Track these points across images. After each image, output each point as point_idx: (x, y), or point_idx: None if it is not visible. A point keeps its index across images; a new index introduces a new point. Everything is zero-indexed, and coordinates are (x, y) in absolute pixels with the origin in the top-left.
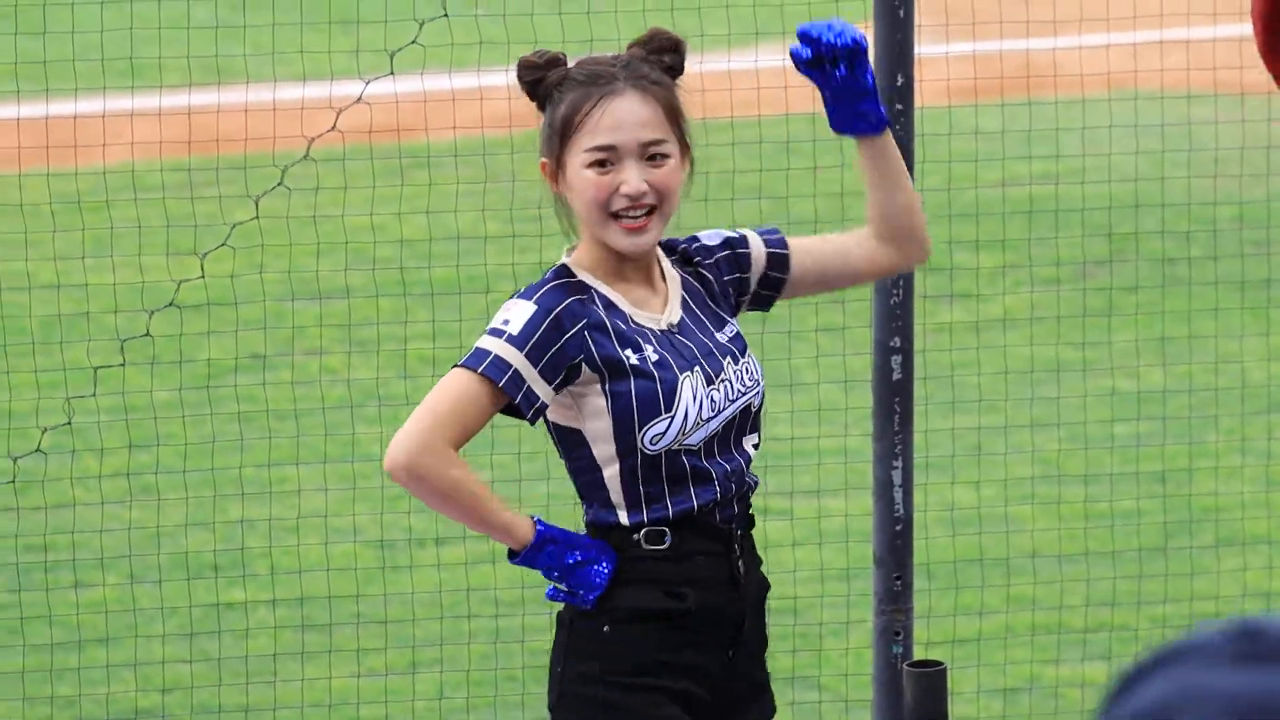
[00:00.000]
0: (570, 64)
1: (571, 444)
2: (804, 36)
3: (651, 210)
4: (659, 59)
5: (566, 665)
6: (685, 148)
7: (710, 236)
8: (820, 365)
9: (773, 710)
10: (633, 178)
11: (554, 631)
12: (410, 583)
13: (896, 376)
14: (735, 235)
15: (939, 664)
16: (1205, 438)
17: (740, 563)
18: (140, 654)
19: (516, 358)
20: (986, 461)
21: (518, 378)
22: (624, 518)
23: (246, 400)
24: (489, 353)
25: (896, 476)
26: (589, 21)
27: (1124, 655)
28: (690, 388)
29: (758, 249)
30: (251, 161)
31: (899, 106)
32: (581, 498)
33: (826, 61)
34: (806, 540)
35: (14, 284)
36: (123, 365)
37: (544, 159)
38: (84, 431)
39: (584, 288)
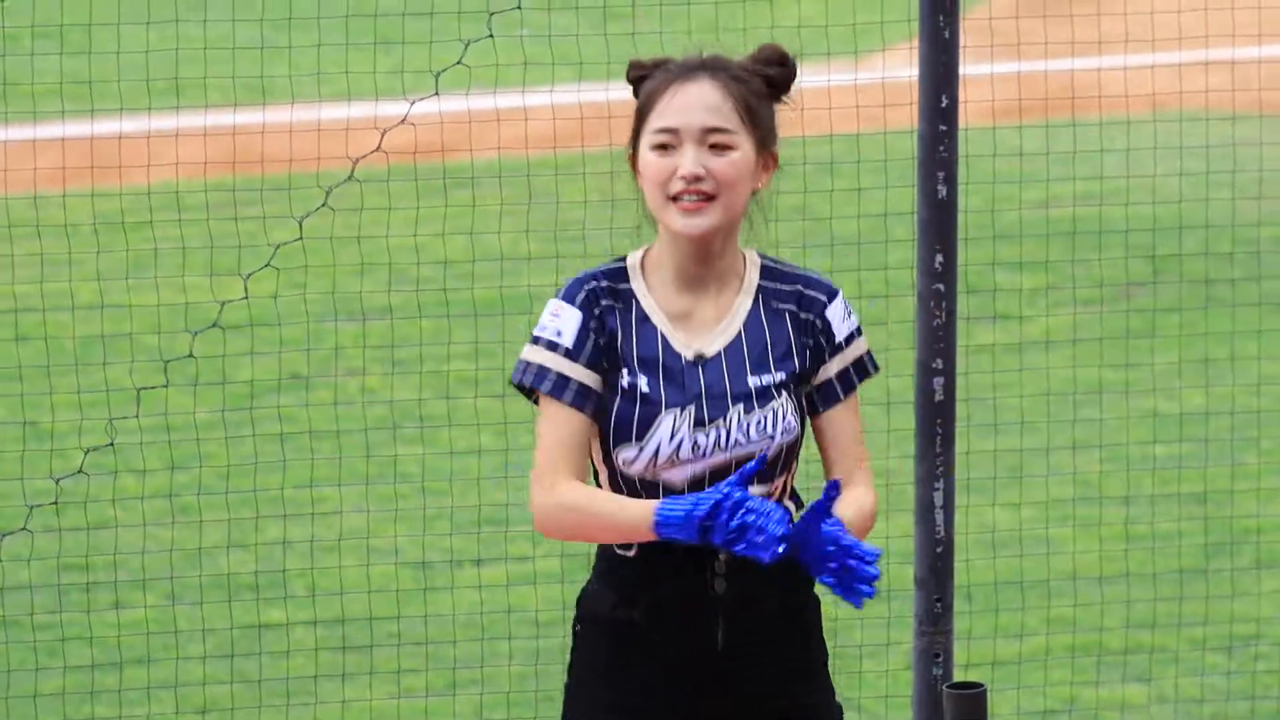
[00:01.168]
0: None
1: (594, 437)
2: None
3: (711, 198)
4: (762, 69)
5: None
6: (764, 150)
7: (833, 309)
8: (861, 387)
9: None
10: (689, 160)
11: None
12: (450, 604)
13: (939, 398)
14: (840, 340)
15: (979, 686)
16: (1246, 459)
17: (719, 581)
18: (179, 675)
19: (577, 371)
20: (1027, 483)
21: (582, 389)
22: None
23: (287, 420)
24: (549, 370)
25: (938, 498)
26: (634, 43)
27: (1163, 677)
28: (671, 425)
29: (831, 367)
30: (295, 182)
31: (943, 127)
32: None
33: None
34: None
35: (56, 304)
36: (165, 386)
37: (630, 152)
38: (125, 452)
39: (625, 295)
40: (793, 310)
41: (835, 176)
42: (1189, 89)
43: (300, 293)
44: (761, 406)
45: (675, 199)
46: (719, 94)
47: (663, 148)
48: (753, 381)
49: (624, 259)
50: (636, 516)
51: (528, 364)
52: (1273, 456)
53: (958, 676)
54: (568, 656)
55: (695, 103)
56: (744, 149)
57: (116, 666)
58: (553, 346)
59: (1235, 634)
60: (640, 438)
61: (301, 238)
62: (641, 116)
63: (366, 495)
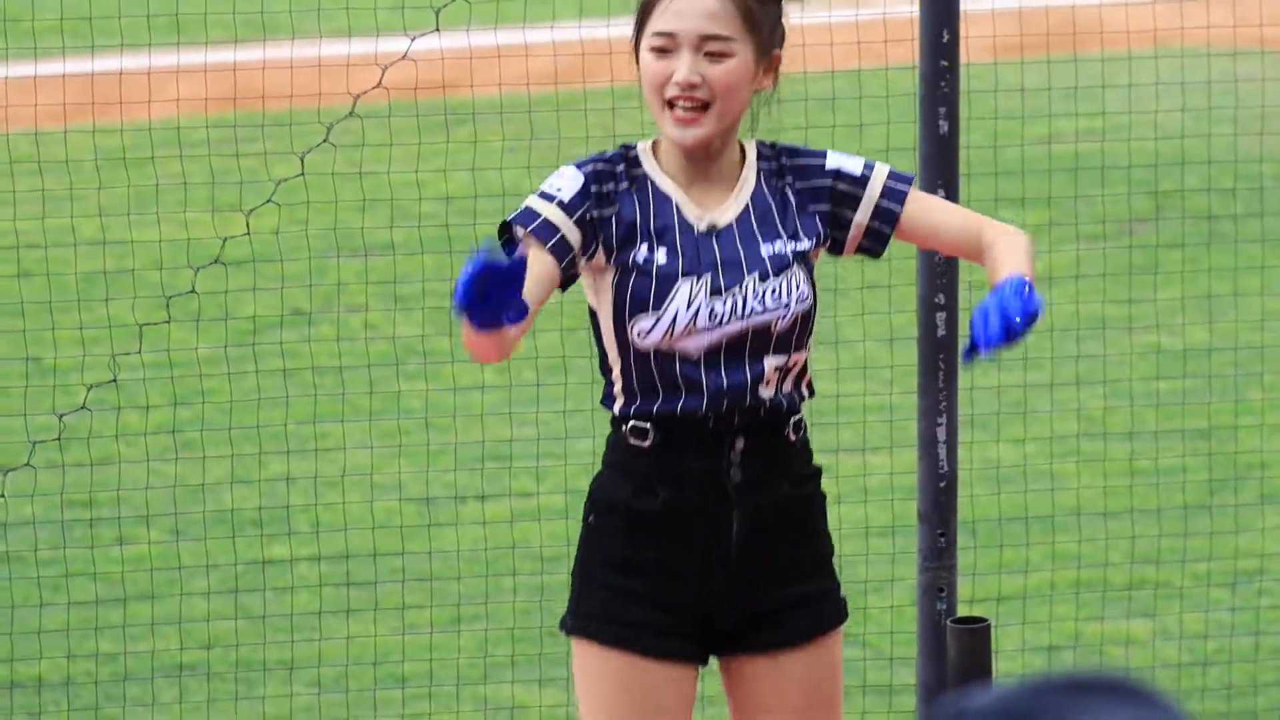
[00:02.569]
0: None
1: (593, 324)
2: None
3: (706, 105)
4: None
5: (576, 553)
6: (766, 54)
7: (834, 160)
8: (865, 322)
9: (822, 626)
10: (684, 68)
11: None
12: (454, 539)
13: (941, 333)
14: (859, 174)
15: (983, 621)
16: (1249, 394)
17: (735, 470)
18: (183, 610)
19: (564, 222)
20: (1031, 418)
21: (565, 242)
22: (618, 406)
23: (290, 356)
24: (538, 214)
25: (941, 433)
26: None
27: (1167, 613)
28: (687, 293)
29: (870, 198)
30: (296, 118)
31: (944, 63)
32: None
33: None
34: (850, 497)
35: (58, 240)
36: (167, 322)
37: (632, 43)
38: (128, 388)
39: (639, 176)
40: (791, 183)
41: (837, 112)
42: (1190, 25)
43: (302, 229)
44: (776, 274)
45: (671, 105)
46: (718, 2)
47: (661, 51)
48: (765, 249)
49: (633, 145)
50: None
51: (522, 208)
52: (1276, 392)
53: (961, 611)
54: (576, 550)
55: (695, 8)
56: (742, 55)
57: (120, 602)
58: (548, 198)
59: (1239, 569)
60: (657, 306)
61: (303, 173)
62: (643, 15)
63: (370, 431)
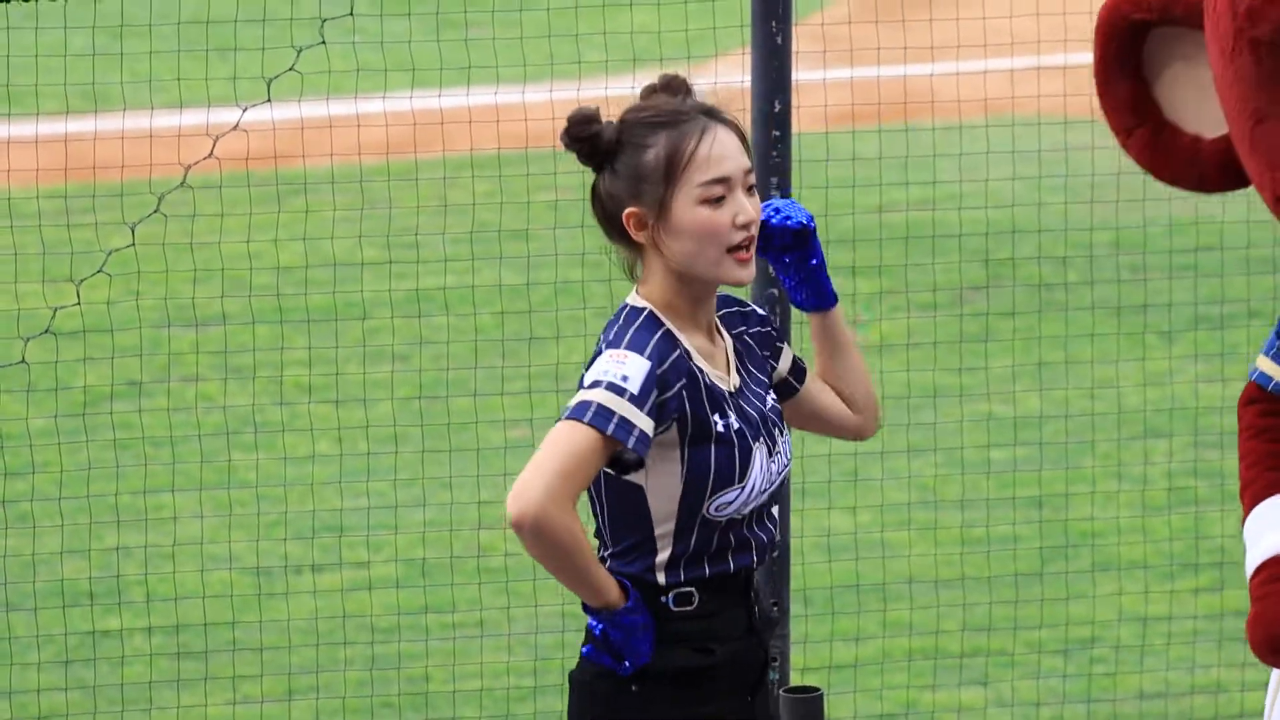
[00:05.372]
0: (609, 117)
1: (625, 496)
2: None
3: (753, 241)
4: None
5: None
6: None
7: (758, 307)
8: None
9: None
10: (747, 206)
11: (566, 691)
12: (286, 610)
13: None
14: (776, 329)
15: (815, 690)
16: (1082, 463)
17: (756, 609)
18: (15, 682)
19: (641, 419)
20: (863, 487)
21: (644, 438)
22: (660, 577)
23: (123, 427)
24: (613, 413)
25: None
26: (466, 49)
27: (1000, 680)
28: (760, 459)
29: (787, 354)
30: (128, 189)
31: (776, 133)
32: (610, 544)
33: (775, 241)
34: None
35: None
36: None
37: (633, 209)
38: None
39: (674, 337)
40: (745, 330)
41: None
42: (1021, 94)
43: (134, 300)
44: (783, 426)
45: (731, 250)
46: (735, 138)
47: (715, 200)
48: (768, 400)
49: (647, 313)
50: (603, 588)
51: (594, 408)
52: (1108, 460)
53: (794, 680)
54: (597, 712)
55: (731, 148)
56: None
57: None
58: (619, 391)
59: (1072, 637)
60: (741, 478)
61: (135, 244)
62: (671, 171)
63: (202, 501)
